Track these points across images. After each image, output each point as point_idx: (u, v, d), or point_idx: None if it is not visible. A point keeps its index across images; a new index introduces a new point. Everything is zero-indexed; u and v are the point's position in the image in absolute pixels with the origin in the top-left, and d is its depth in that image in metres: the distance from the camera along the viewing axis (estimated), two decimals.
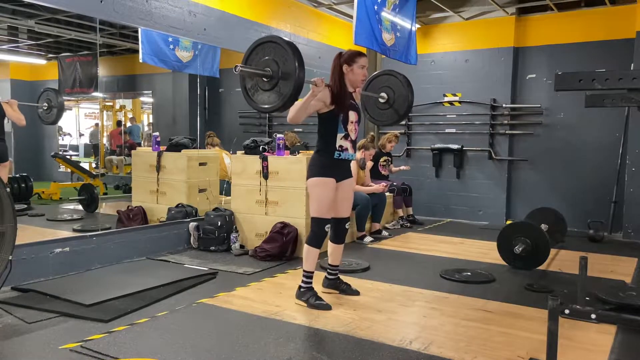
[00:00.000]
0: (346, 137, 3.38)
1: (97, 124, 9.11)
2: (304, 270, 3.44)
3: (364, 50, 4.42)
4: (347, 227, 3.61)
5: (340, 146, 3.37)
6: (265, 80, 3.08)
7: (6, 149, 4.98)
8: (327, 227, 3.40)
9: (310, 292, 3.42)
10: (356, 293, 3.67)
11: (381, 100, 4.14)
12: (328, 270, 3.73)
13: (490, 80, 7.30)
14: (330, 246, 3.65)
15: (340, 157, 3.39)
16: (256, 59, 3.12)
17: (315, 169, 3.39)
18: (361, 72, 3.40)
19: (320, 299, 3.40)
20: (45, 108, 5.93)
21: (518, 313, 3.38)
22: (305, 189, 4.87)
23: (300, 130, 7.52)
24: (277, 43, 3.07)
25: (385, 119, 4.28)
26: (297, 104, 3.12)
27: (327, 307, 3.34)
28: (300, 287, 3.47)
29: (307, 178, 3.44)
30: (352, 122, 3.41)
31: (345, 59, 3.37)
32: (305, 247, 3.43)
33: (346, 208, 3.57)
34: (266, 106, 3.13)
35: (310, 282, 3.45)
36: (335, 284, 3.71)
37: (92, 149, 8.97)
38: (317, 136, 3.43)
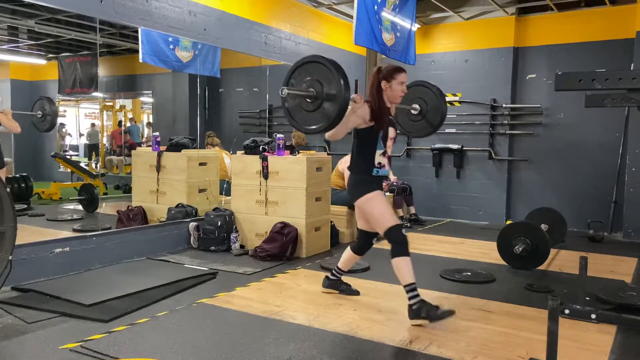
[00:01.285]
0: (384, 153, 3.30)
1: (93, 124, 9.10)
2: (404, 286, 3.12)
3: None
4: (374, 242, 3.51)
5: (379, 163, 3.28)
6: (309, 101, 3.02)
7: (2, 156, 4.99)
8: (404, 230, 3.21)
9: (425, 306, 3.06)
10: (356, 293, 3.67)
11: (413, 112, 4.05)
12: (333, 271, 3.70)
13: (490, 80, 7.30)
14: (348, 253, 3.59)
15: (378, 174, 3.29)
16: (299, 79, 3.07)
17: (362, 187, 3.27)
18: (400, 88, 3.29)
19: (437, 307, 3.06)
20: (40, 116, 6.03)
21: (518, 313, 3.38)
22: (305, 188, 4.87)
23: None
24: (320, 63, 3.02)
25: (418, 131, 4.19)
26: None
27: (450, 313, 3.05)
28: (410, 306, 3.10)
29: (355, 200, 3.30)
30: (391, 139, 3.33)
31: (384, 75, 3.27)
32: (394, 261, 3.14)
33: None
34: (312, 127, 3.07)
35: (418, 295, 3.10)
36: (336, 285, 3.70)
37: (89, 150, 8.95)
38: (353, 153, 3.34)
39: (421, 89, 4.10)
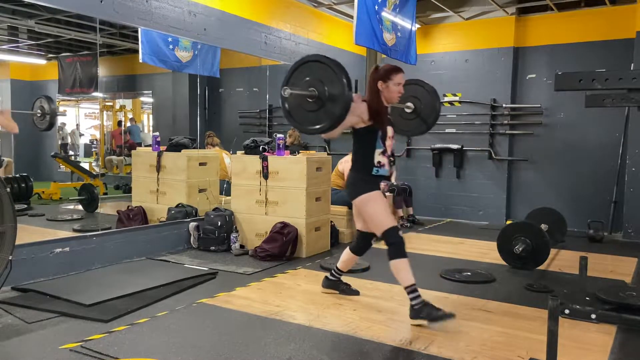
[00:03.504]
0: (384, 152, 3.27)
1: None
2: (405, 288, 3.12)
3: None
4: (372, 242, 3.51)
5: (379, 162, 3.26)
6: (311, 100, 2.99)
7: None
8: (401, 233, 3.22)
9: (427, 307, 3.07)
10: (356, 293, 3.66)
11: (407, 111, 4.03)
12: (333, 271, 3.70)
13: (490, 80, 7.30)
14: (347, 254, 3.59)
15: (378, 174, 3.27)
16: (299, 79, 3.03)
17: (361, 186, 3.26)
18: (396, 89, 3.27)
19: (439, 308, 3.06)
20: (39, 115, 6.02)
21: (518, 313, 3.38)
22: (305, 188, 4.87)
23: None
24: (321, 62, 2.98)
25: (412, 129, 4.17)
26: None
27: (451, 315, 3.03)
28: (412, 306, 3.10)
29: (353, 198, 3.29)
30: (390, 138, 3.31)
31: (381, 74, 3.25)
32: (392, 263, 3.15)
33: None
34: (314, 127, 3.03)
35: (419, 295, 3.11)
36: (335, 285, 3.70)
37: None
38: (353, 152, 3.34)
39: (415, 87, 4.10)
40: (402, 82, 3.30)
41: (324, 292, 3.66)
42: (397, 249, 3.15)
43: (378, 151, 3.25)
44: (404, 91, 3.42)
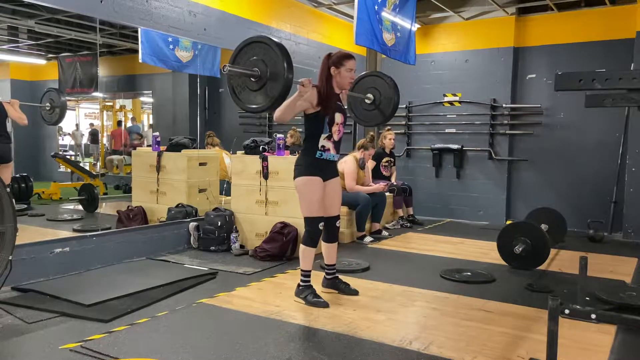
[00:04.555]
0: (329, 137, 3.40)
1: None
2: (301, 270, 3.49)
3: (363, 50, 4.41)
4: (337, 225, 3.61)
5: (323, 146, 3.39)
6: (254, 80, 3.09)
7: (10, 150, 4.99)
8: (321, 226, 3.43)
9: (308, 290, 3.46)
10: (355, 292, 3.67)
11: (367, 102, 4.18)
12: (325, 270, 3.75)
13: (490, 80, 7.30)
14: (323, 246, 3.66)
15: (322, 157, 3.40)
16: (244, 59, 3.13)
17: (301, 169, 3.42)
18: (348, 75, 3.39)
19: (318, 296, 3.44)
20: (48, 108, 5.97)
21: (518, 313, 3.38)
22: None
23: (301, 130, 7.51)
24: (265, 43, 3.08)
25: (371, 120, 4.33)
26: (285, 103, 3.15)
27: (325, 305, 3.38)
28: (299, 285, 3.52)
29: (294, 178, 3.46)
30: (337, 124, 3.42)
31: (334, 60, 3.37)
32: (301, 247, 3.47)
33: (335, 206, 3.58)
34: (254, 106, 3.16)
35: (308, 281, 3.49)
36: (334, 284, 3.71)
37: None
38: (304, 134, 3.48)
39: (375, 79, 4.22)
40: (353, 69, 3.40)
41: (324, 292, 3.66)
42: (309, 237, 3.44)
43: (323, 136, 3.37)
44: (355, 77, 3.55)
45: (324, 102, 3.32)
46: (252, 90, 3.13)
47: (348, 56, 3.40)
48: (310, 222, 3.42)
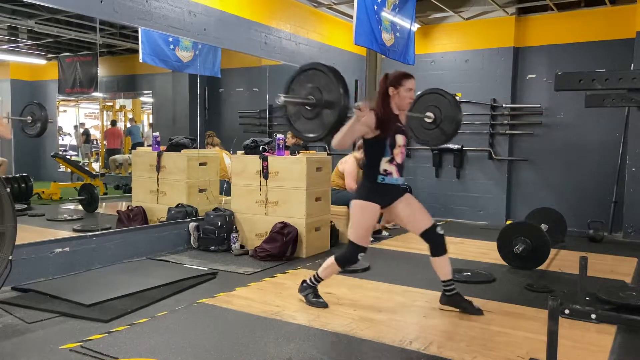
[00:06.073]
0: (391, 160, 3.22)
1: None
2: (317, 273, 3.45)
3: (362, 50, 4.39)
4: (440, 232, 3.33)
5: (385, 170, 3.21)
6: (309, 108, 2.99)
7: None
8: (361, 256, 3.26)
9: (311, 290, 3.46)
10: (479, 312, 3.32)
11: (427, 120, 3.97)
12: (443, 288, 3.41)
13: (490, 80, 7.29)
14: (433, 262, 3.35)
15: (384, 182, 3.22)
16: (298, 87, 3.04)
17: (361, 192, 3.28)
18: (408, 95, 3.23)
19: (318, 296, 3.44)
20: (30, 121, 6.05)
21: (518, 313, 3.38)
22: (305, 188, 4.88)
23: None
24: (319, 70, 2.99)
25: (432, 139, 4.10)
26: (342, 129, 3.00)
27: (324, 305, 3.38)
28: (304, 281, 3.51)
29: (353, 199, 3.30)
30: (399, 146, 3.24)
31: (392, 81, 3.21)
32: (333, 260, 3.34)
33: (424, 218, 3.34)
34: (311, 135, 3.05)
35: (316, 285, 3.47)
36: (455, 301, 3.37)
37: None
38: (365, 158, 3.33)
39: (436, 96, 4.01)
40: (413, 88, 3.25)
41: (442, 309, 3.39)
42: (345, 260, 3.34)
43: (385, 159, 3.21)
44: (414, 97, 3.38)
45: (383, 124, 3.15)
46: (307, 119, 3.03)
47: (407, 75, 3.23)
48: (352, 247, 3.25)
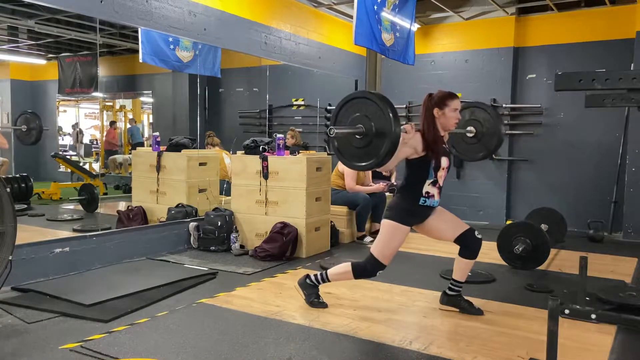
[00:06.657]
0: (434, 183, 3.16)
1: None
2: (326, 274, 3.35)
3: (362, 50, 4.38)
4: (478, 235, 3.28)
5: (427, 192, 3.15)
6: (359, 137, 2.93)
7: None
8: (379, 273, 3.21)
9: (312, 289, 3.40)
10: (480, 312, 3.32)
11: (469, 135, 3.92)
12: (450, 285, 3.39)
13: (490, 80, 7.29)
14: (460, 261, 3.32)
15: (425, 204, 3.17)
16: (346, 116, 2.98)
17: (396, 212, 3.18)
18: (454, 115, 3.14)
19: (319, 297, 3.40)
20: (25, 130, 6.10)
21: (518, 313, 3.38)
22: (305, 188, 4.88)
23: (300, 130, 7.52)
24: (367, 98, 2.93)
25: (473, 154, 4.06)
26: None
27: (324, 306, 3.36)
28: (308, 276, 3.42)
29: (385, 216, 3.21)
30: (443, 169, 3.18)
31: (436, 101, 3.13)
32: (349, 268, 3.25)
33: (458, 225, 3.32)
34: (362, 164, 2.99)
35: (320, 284, 3.41)
36: (456, 302, 3.38)
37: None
38: (404, 178, 3.26)
39: (476, 110, 3.96)
40: (458, 108, 3.18)
41: (442, 309, 3.39)
42: (362, 272, 3.24)
43: (428, 181, 3.15)
44: (460, 117, 3.30)
45: (432, 147, 3.08)
46: (357, 148, 2.96)
47: (452, 95, 3.15)
48: (374, 263, 3.16)
